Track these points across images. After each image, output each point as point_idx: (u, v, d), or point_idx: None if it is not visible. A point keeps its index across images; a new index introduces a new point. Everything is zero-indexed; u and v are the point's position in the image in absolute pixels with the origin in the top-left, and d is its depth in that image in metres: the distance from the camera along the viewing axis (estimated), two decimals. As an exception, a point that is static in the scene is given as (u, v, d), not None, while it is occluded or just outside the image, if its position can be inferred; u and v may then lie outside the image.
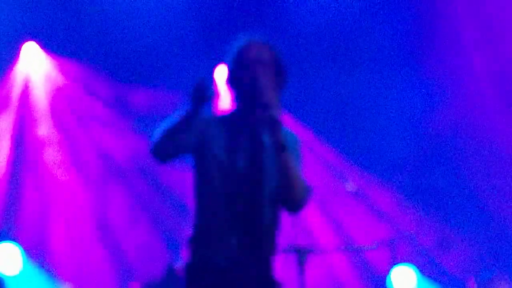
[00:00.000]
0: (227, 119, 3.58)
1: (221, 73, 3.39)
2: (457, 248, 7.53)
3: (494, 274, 6.58)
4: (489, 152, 8.95)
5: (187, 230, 3.59)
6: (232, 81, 3.55)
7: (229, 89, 3.59)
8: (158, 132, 3.39)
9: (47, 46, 8.03)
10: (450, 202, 9.13)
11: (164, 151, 3.41)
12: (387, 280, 6.60)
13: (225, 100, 3.67)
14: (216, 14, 7.77)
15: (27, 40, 7.97)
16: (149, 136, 3.42)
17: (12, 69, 8.10)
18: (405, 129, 8.75)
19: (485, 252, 9.04)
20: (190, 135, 3.43)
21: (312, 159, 8.10)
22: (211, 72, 6.67)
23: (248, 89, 3.44)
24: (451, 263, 9.03)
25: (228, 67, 3.57)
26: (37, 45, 8.03)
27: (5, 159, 8.26)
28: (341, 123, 8.72)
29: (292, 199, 3.47)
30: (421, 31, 7.97)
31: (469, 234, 8.84)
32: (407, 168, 9.11)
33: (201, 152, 3.50)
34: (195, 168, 3.55)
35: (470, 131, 8.84)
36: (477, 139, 8.89)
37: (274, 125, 3.34)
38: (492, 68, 8.28)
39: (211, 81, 3.33)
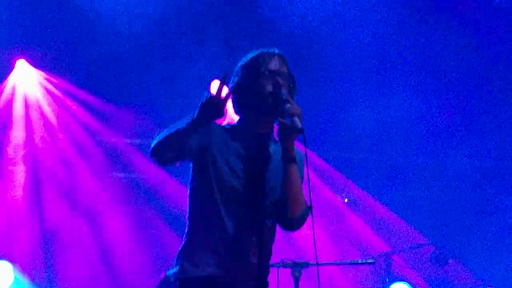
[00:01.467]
0: (233, 130, 3.51)
1: (217, 86, 3.28)
2: (452, 263, 7.48)
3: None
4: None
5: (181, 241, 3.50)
6: (247, 91, 3.47)
7: (235, 99, 3.51)
8: (161, 135, 3.31)
9: (37, 63, 8.01)
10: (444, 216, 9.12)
11: (164, 154, 3.33)
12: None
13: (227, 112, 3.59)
14: (192, 19, 7.76)
15: (17, 58, 7.94)
16: (152, 138, 3.35)
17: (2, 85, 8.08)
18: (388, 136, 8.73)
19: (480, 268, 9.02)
20: (192, 143, 3.35)
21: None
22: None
23: (269, 98, 3.39)
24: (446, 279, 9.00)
25: (242, 77, 3.49)
26: (27, 62, 8.01)
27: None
28: (322, 131, 8.67)
29: (291, 215, 3.41)
30: (400, 33, 7.99)
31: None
32: (394, 180, 9.08)
33: (202, 161, 3.41)
34: (194, 176, 3.47)
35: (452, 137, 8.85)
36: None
37: (296, 133, 3.30)
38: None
39: (222, 99, 3.22)
